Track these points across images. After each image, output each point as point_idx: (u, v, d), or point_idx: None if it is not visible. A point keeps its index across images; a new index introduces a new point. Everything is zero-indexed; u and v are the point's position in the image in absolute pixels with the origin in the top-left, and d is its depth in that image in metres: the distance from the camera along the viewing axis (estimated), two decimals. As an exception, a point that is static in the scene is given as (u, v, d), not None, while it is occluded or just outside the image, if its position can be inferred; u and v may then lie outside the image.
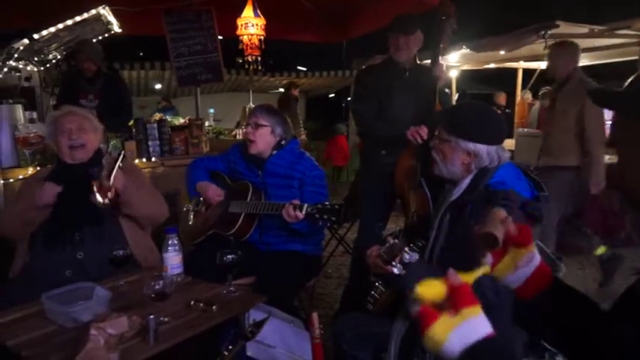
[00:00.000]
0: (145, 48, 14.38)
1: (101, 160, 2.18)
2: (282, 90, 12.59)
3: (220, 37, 4.71)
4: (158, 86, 11.27)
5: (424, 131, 2.63)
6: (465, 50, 5.92)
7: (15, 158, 3.09)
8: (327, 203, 2.13)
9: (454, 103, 4.42)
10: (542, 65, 7.38)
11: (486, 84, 13.34)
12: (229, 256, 1.82)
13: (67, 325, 1.54)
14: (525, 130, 6.26)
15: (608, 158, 5.13)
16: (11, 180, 3.01)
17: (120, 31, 4.62)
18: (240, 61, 5.39)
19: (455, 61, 6.93)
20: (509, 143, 5.04)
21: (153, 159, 3.67)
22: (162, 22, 4.50)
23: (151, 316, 1.42)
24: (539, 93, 7.02)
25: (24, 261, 2.18)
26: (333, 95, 16.70)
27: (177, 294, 1.75)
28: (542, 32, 4.82)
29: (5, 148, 3.07)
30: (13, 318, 1.63)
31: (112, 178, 2.05)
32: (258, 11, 4.96)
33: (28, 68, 4.55)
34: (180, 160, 3.68)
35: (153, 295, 1.67)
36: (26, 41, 3.95)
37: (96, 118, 2.40)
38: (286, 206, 2.19)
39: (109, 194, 2.03)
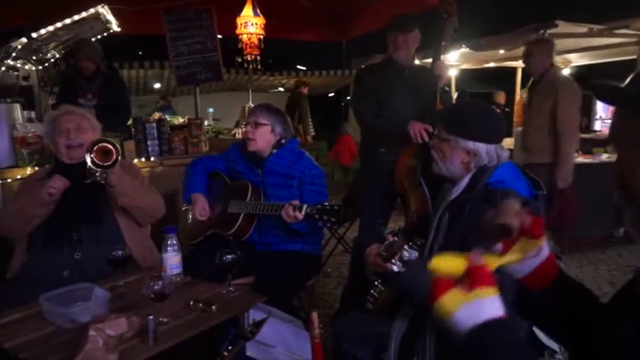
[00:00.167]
0: (145, 47, 14.38)
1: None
2: (281, 89, 12.64)
3: (220, 36, 4.70)
4: (157, 85, 11.25)
5: (426, 133, 2.64)
6: (464, 49, 5.92)
7: (13, 158, 3.09)
8: (326, 204, 2.13)
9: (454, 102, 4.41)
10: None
11: (486, 83, 13.35)
12: (229, 256, 1.82)
13: (65, 326, 1.53)
14: (524, 129, 6.23)
15: (607, 157, 5.15)
16: (9, 180, 3.00)
17: (119, 30, 4.62)
18: (240, 60, 5.36)
19: (454, 60, 6.94)
20: (508, 142, 5.03)
21: (152, 158, 3.67)
22: (162, 21, 4.49)
23: (151, 317, 1.41)
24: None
25: (22, 261, 2.17)
26: (332, 94, 16.70)
27: (176, 294, 1.75)
28: (542, 31, 4.84)
29: (3, 147, 3.06)
30: (11, 319, 1.62)
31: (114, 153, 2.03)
32: (258, 10, 4.95)
33: (27, 67, 4.55)
34: (179, 159, 3.68)
35: (152, 296, 1.67)
36: (24, 40, 3.95)
37: (94, 117, 2.39)
38: (285, 207, 2.19)
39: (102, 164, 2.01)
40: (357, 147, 9.34)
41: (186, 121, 4.35)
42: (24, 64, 4.48)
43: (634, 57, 5.92)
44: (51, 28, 4.05)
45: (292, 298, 2.53)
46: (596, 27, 5.44)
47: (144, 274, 1.97)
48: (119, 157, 2.04)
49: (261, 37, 5.06)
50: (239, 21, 4.97)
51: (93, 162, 2.00)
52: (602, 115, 8.80)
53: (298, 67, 12.29)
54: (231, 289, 1.83)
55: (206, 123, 6.89)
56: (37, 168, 2.98)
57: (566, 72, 7.72)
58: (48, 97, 4.68)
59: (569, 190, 3.47)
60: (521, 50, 6.06)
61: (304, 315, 2.44)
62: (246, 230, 2.46)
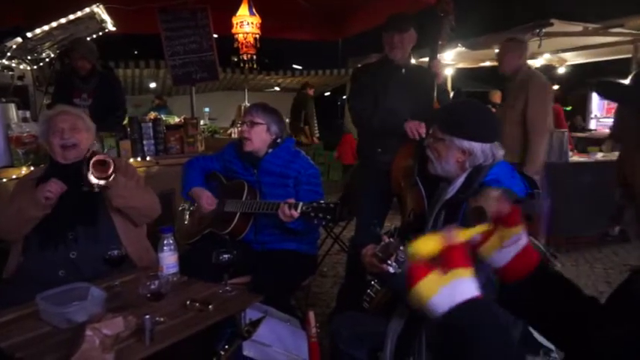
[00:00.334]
0: (140, 46, 14.32)
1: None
2: (277, 89, 12.64)
3: (215, 36, 4.69)
4: (153, 85, 11.22)
5: (422, 129, 2.64)
6: (460, 48, 5.94)
7: (8, 158, 3.07)
8: (322, 202, 2.13)
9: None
10: (537, 63, 7.42)
11: (482, 82, 13.36)
12: (225, 256, 1.82)
13: (61, 325, 1.52)
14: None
15: (602, 156, 5.18)
16: (4, 180, 2.99)
17: (114, 29, 4.61)
18: (236, 59, 5.36)
19: (450, 59, 6.95)
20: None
21: (148, 158, 3.66)
22: (157, 21, 4.49)
23: (147, 316, 1.41)
24: None
25: (18, 261, 2.17)
26: (328, 94, 16.70)
27: (173, 294, 1.75)
28: (537, 30, 4.86)
29: (-2, 147, 3.05)
30: (7, 319, 1.62)
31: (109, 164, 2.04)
32: (254, 9, 4.95)
33: (21, 67, 4.54)
34: (175, 159, 3.67)
35: (148, 295, 1.67)
36: (19, 40, 3.94)
37: (89, 117, 2.39)
38: (281, 205, 2.19)
39: (103, 177, 2.03)
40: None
41: (182, 120, 4.34)
42: (19, 63, 4.47)
43: (629, 55, 5.96)
44: (46, 27, 4.04)
45: (289, 297, 2.53)
46: (591, 26, 5.46)
47: (140, 274, 1.97)
48: (115, 164, 2.06)
49: (257, 36, 5.06)
50: (235, 20, 4.97)
51: (95, 177, 2.02)
52: (598, 114, 8.85)
53: (294, 66, 12.27)
54: (227, 288, 1.83)
55: (202, 122, 6.87)
56: (32, 168, 2.97)
57: (561, 71, 7.77)
58: (43, 97, 4.67)
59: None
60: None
61: (301, 314, 2.44)
62: (243, 229, 2.46)
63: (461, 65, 7.71)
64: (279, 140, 2.57)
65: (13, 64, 4.40)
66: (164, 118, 5.29)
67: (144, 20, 4.79)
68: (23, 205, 2.09)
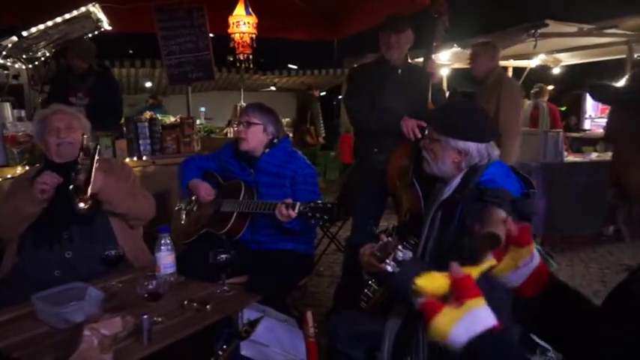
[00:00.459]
0: (135, 45, 14.28)
1: (94, 152, 2.12)
2: (272, 88, 12.63)
3: (211, 35, 4.69)
4: (148, 84, 11.20)
5: (418, 129, 2.65)
6: (456, 48, 5.95)
7: (3, 157, 3.07)
8: (319, 202, 2.13)
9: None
10: (532, 64, 7.45)
11: (477, 82, 13.37)
12: (223, 256, 1.82)
13: (58, 326, 1.52)
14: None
15: (597, 155, 5.21)
16: (0, 179, 2.98)
17: (110, 28, 4.59)
18: (231, 59, 5.35)
19: (446, 60, 6.96)
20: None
21: (144, 158, 3.65)
22: (153, 20, 4.47)
23: (145, 316, 1.41)
24: (532, 91, 7.08)
25: (13, 261, 2.16)
26: (324, 93, 16.68)
27: (170, 294, 1.75)
28: (533, 31, 4.88)
29: (-6, 146, 3.04)
30: (3, 319, 1.61)
31: (90, 183, 2.01)
32: (250, 9, 4.94)
33: (17, 66, 4.52)
34: (171, 158, 3.67)
35: (146, 295, 1.67)
36: (15, 38, 3.92)
37: (85, 117, 2.38)
38: (279, 205, 2.19)
39: (88, 198, 2.00)
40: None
41: (179, 120, 4.33)
42: (14, 62, 4.45)
43: (623, 56, 5.99)
44: (42, 26, 4.02)
45: (285, 297, 2.54)
46: (585, 26, 5.49)
47: (137, 274, 1.97)
48: (97, 180, 2.05)
49: (254, 36, 5.05)
50: (231, 20, 4.96)
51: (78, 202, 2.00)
52: (592, 114, 8.90)
53: (290, 66, 12.28)
54: (225, 288, 1.83)
55: (198, 122, 6.87)
56: (27, 167, 2.96)
57: (556, 71, 7.81)
58: (38, 96, 4.64)
59: None
60: (512, 49, 6.14)
61: (297, 314, 2.45)
62: (239, 229, 2.46)
63: (456, 65, 7.72)
64: (275, 140, 2.57)
65: (8, 63, 4.38)
66: (160, 118, 5.29)
67: (140, 19, 4.77)
68: (19, 203, 2.09)
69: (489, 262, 0.95)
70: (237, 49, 5.12)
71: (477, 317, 0.80)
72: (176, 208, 2.77)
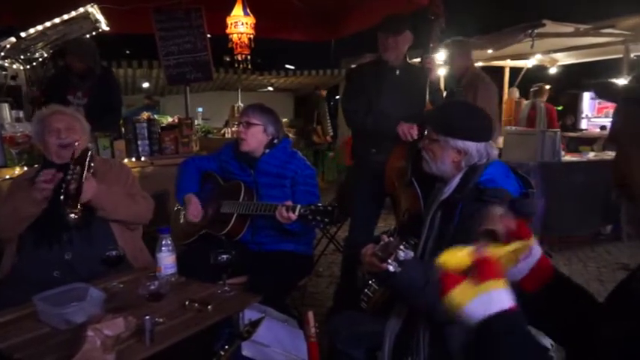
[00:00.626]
0: (133, 46, 14.21)
1: (85, 159, 2.09)
2: (270, 89, 12.63)
3: (209, 36, 4.69)
4: (146, 85, 11.19)
5: (414, 131, 2.66)
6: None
7: (2, 158, 3.06)
8: (320, 205, 2.13)
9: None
10: (529, 64, 7.48)
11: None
12: (224, 256, 1.82)
13: (60, 326, 1.52)
14: (514, 128, 6.33)
15: (594, 155, 5.22)
16: (-2, 180, 2.97)
17: (108, 29, 4.59)
18: (229, 59, 5.36)
19: (443, 60, 6.97)
20: (498, 141, 5.08)
21: (142, 158, 3.65)
22: (152, 21, 4.47)
23: (147, 317, 1.41)
24: (531, 90, 7.10)
25: (12, 262, 2.16)
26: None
27: (171, 294, 1.75)
28: (530, 31, 4.90)
29: (-8, 147, 3.03)
30: (4, 320, 1.61)
31: (81, 193, 1.99)
32: (248, 10, 4.95)
33: (15, 67, 4.51)
34: (170, 159, 3.66)
35: (148, 296, 1.67)
36: (13, 39, 3.91)
37: (83, 117, 2.37)
38: (279, 207, 2.19)
39: (79, 210, 1.97)
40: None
41: (177, 120, 4.32)
42: (12, 63, 4.44)
43: (620, 56, 6.02)
44: (40, 27, 4.01)
45: (284, 297, 2.54)
46: (582, 26, 5.51)
47: (139, 274, 1.97)
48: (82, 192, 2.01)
49: (252, 36, 5.06)
50: (229, 20, 4.97)
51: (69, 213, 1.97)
52: (589, 113, 8.91)
53: (287, 66, 12.28)
54: (226, 288, 1.84)
55: (195, 122, 6.86)
56: (25, 168, 2.96)
57: (552, 71, 7.83)
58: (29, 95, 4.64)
59: None
60: (509, 49, 6.17)
61: (297, 314, 2.45)
62: (239, 230, 2.46)
63: (454, 65, 7.74)
64: (275, 141, 2.57)
65: (6, 64, 4.37)
66: (158, 118, 5.29)
67: (138, 20, 4.77)
68: (18, 203, 2.08)
69: (516, 243, 0.97)
70: (235, 50, 5.13)
71: (495, 297, 0.81)
72: (175, 208, 2.77)
